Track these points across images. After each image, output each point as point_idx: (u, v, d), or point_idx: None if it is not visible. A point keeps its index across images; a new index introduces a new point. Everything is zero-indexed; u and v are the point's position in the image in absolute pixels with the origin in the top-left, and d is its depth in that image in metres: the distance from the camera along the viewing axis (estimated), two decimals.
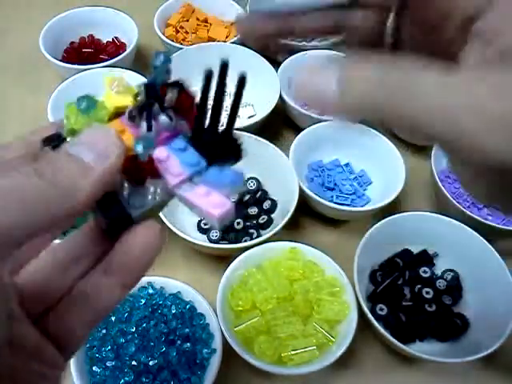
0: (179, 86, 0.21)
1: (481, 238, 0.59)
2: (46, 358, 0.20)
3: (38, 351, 0.20)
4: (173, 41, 0.82)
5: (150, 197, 0.21)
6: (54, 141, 0.21)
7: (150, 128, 0.21)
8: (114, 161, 0.19)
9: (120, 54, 0.78)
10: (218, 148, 0.22)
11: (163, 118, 0.21)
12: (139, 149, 0.20)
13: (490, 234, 0.60)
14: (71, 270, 0.23)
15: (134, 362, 0.50)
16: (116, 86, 0.22)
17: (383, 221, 0.59)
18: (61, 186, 0.18)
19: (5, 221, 0.16)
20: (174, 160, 0.21)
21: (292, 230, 0.65)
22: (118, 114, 0.22)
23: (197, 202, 0.20)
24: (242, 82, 0.20)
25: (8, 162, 0.21)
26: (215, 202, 0.20)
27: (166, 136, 0.21)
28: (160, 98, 0.21)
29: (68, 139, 0.21)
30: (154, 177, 0.21)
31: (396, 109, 0.18)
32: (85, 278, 0.22)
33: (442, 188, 0.63)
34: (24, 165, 0.18)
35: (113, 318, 0.53)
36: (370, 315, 0.52)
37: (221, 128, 0.22)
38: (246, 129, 0.67)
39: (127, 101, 0.22)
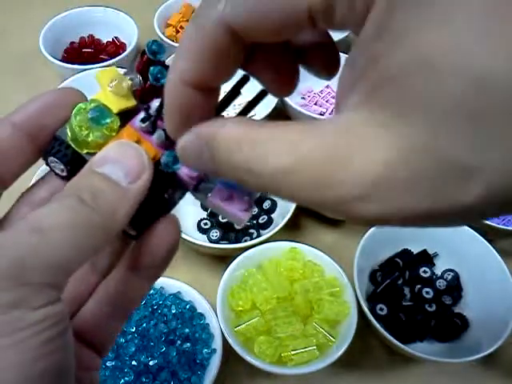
0: None
1: (481, 238, 0.59)
2: (81, 363, 0.20)
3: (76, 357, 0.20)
4: (173, 41, 0.82)
5: (171, 202, 0.21)
6: (60, 152, 0.21)
7: (167, 138, 0.20)
8: (146, 181, 0.19)
9: (120, 53, 0.78)
10: None
11: (160, 132, 0.20)
12: (169, 163, 0.20)
13: (490, 233, 0.60)
14: (97, 266, 0.23)
15: (134, 362, 0.50)
16: (115, 85, 0.21)
17: None
18: (102, 211, 0.18)
19: (61, 257, 0.17)
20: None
21: (292, 230, 0.65)
22: (120, 114, 0.21)
23: (222, 206, 0.21)
24: (261, 95, 0.20)
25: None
26: (240, 206, 0.21)
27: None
28: None
29: (72, 144, 0.21)
30: (173, 185, 0.21)
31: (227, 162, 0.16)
32: (111, 276, 0.23)
33: None
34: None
35: None
36: (369, 315, 0.52)
37: None
38: None
39: (130, 103, 0.21)
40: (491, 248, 0.58)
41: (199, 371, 0.50)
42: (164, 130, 0.20)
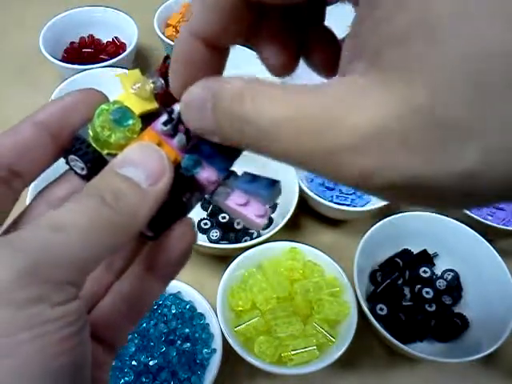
0: None
1: (481, 238, 0.59)
2: (94, 360, 0.20)
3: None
4: (173, 41, 0.82)
5: (188, 206, 0.22)
6: (81, 150, 0.21)
7: (188, 140, 0.21)
8: (166, 184, 0.19)
9: (120, 53, 0.78)
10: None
11: (182, 136, 0.21)
12: (189, 166, 0.20)
13: (490, 233, 0.60)
14: (113, 266, 0.23)
15: (134, 362, 0.50)
16: (138, 88, 0.21)
17: (383, 221, 0.59)
18: (123, 212, 0.18)
19: (82, 255, 0.17)
20: (208, 167, 0.21)
21: (292, 230, 0.65)
22: (141, 117, 0.21)
23: (239, 211, 0.21)
24: None
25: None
26: (256, 211, 0.21)
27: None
28: None
29: (93, 143, 0.21)
30: (191, 189, 0.21)
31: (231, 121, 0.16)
32: (126, 276, 0.23)
33: None
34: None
35: None
36: (370, 315, 0.52)
37: None
38: None
39: (152, 106, 0.21)
40: (491, 248, 0.58)
41: (199, 371, 0.50)
42: (185, 134, 0.21)
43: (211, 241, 0.62)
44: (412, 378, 0.57)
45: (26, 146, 0.21)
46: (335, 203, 0.64)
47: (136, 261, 0.23)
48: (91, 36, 0.85)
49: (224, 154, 0.22)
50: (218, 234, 0.62)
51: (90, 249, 0.17)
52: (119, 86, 0.22)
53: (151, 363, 0.50)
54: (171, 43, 0.80)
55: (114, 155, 0.20)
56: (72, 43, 0.84)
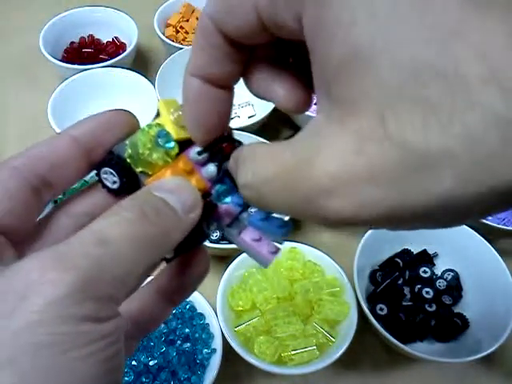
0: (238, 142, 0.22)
1: (481, 237, 0.59)
2: None
3: None
4: (173, 41, 0.82)
5: (206, 232, 0.23)
6: (118, 165, 0.22)
7: (219, 173, 0.22)
8: (197, 216, 0.20)
9: (120, 53, 0.78)
10: None
11: (212, 168, 0.22)
12: (221, 195, 0.22)
13: (490, 233, 0.60)
14: None
15: (134, 362, 0.50)
16: (177, 115, 0.22)
17: None
18: (163, 229, 0.19)
19: (124, 269, 0.17)
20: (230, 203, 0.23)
21: (292, 229, 0.65)
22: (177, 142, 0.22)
23: (252, 246, 0.22)
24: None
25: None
26: (268, 248, 0.22)
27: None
28: (227, 151, 0.21)
29: (128, 160, 0.22)
30: (211, 218, 0.23)
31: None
32: (135, 297, 0.24)
33: None
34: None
35: None
36: (370, 315, 0.52)
37: None
38: (245, 129, 0.67)
39: (187, 134, 0.22)
40: (491, 248, 0.58)
41: (199, 371, 0.50)
42: (217, 165, 0.22)
43: (211, 241, 0.62)
44: (412, 378, 0.57)
45: (61, 158, 0.21)
46: None
47: (146, 284, 0.24)
48: (91, 36, 0.85)
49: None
50: (218, 234, 0.62)
51: (131, 263, 0.17)
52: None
53: (151, 363, 0.50)
54: (171, 43, 0.80)
55: (147, 174, 0.22)
56: (72, 43, 0.84)
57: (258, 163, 0.17)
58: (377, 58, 0.12)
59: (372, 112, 0.12)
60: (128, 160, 0.22)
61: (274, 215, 0.23)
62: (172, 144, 0.21)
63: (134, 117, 0.23)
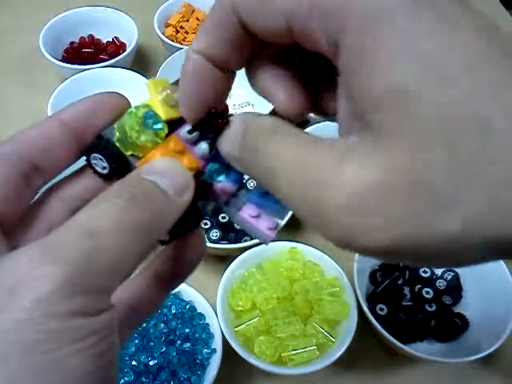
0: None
1: None
2: None
3: None
4: (173, 41, 0.82)
5: (202, 212, 0.22)
6: (107, 150, 0.21)
7: (211, 150, 0.21)
8: (189, 197, 0.20)
9: (120, 54, 0.78)
10: None
11: (204, 146, 0.21)
12: (213, 174, 0.21)
13: None
14: None
15: (134, 362, 0.50)
16: (165, 95, 0.21)
17: None
18: (153, 212, 0.18)
19: (115, 259, 0.17)
20: (225, 178, 0.22)
21: (292, 230, 0.65)
22: (166, 123, 0.22)
23: (251, 222, 0.22)
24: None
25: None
26: (267, 224, 0.22)
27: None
28: (220, 127, 0.21)
29: (118, 144, 0.21)
30: (206, 197, 0.22)
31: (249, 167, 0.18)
32: (130, 282, 0.23)
33: None
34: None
35: None
36: (370, 315, 0.52)
37: None
38: None
39: (177, 113, 0.22)
40: None
41: (199, 371, 0.50)
42: (208, 143, 0.21)
43: (211, 241, 0.62)
44: (412, 378, 0.57)
45: (51, 142, 0.21)
46: None
47: (141, 269, 0.24)
48: (91, 36, 0.85)
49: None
50: (218, 234, 0.62)
51: (123, 253, 0.17)
52: (145, 91, 0.22)
53: (151, 363, 0.50)
54: (171, 43, 0.80)
55: (137, 157, 0.21)
56: (72, 43, 0.84)
57: (279, 142, 0.16)
58: (420, 100, 0.12)
59: (403, 149, 0.13)
60: (117, 144, 0.21)
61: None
62: (160, 125, 0.21)
63: (125, 99, 0.23)
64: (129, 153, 0.21)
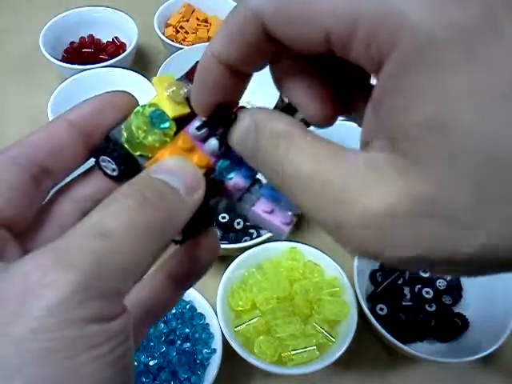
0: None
1: None
2: None
3: None
4: (173, 41, 0.82)
5: (215, 210, 0.22)
6: (115, 151, 0.21)
7: (221, 147, 0.21)
8: (201, 196, 0.20)
9: (120, 54, 0.78)
10: None
11: (214, 142, 0.21)
12: (224, 171, 0.21)
13: None
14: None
15: (134, 362, 0.50)
16: (172, 91, 0.21)
17: None
18: (165, 212, 0.18)
19: (127, 261, 0.16)
20: (236, 174, 0.22)
21: (292, 229, 0.65)
22: (174, 120, 0.21)
23: (266, 218, 0.22)
24: None
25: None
26: (282, 219, 0.22)
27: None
28: (229, 122, 0.20)
29: (126, 145, 0.21)
30: (218, 194, 0.22)
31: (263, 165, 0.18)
32: (145, 282, 0.23)
33: None
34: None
35: None
36: (370, 315, 0.52)
37: None
38: None
39: (185, 110, 0.21)
40: None
41: (199, 371, 0.50)
42: (218, 139, 0.21)
43: None
44: (412, 378, 0.57)
45: (59, 144, 0.21)
46: None
47: (155, 269, 0.23)
48: (91, 36, 0.85)
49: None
50: (218, 234, 0.62)
51: (135, 252, 0.17)
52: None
53: (151, 363, 0.50)
54: (171, 43, 0.80)
55: (146, 157, 0.21)
56: (72, 43, 0.84)
57: (301, 157, 0.16)
58: (461, 132, 0.13)
59: (435, 177, 0.13)
60: (125, 144, 0.21)
61: None
62: (167, 124, 0.20)
63: (133, 97, 0.23)
64: (137, 153, 0.21)
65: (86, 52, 0.83)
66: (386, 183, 0.14)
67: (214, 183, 0.21)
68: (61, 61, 0.78)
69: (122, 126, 0.21)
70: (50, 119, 0.67)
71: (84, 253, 0.15)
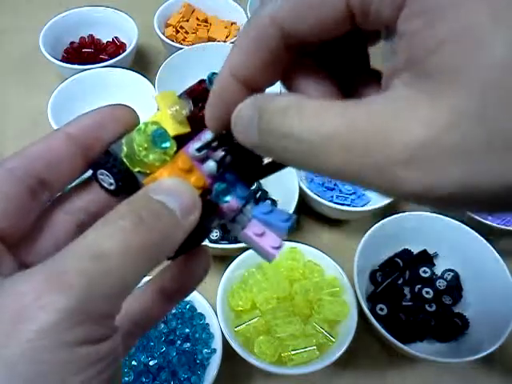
0: None
1: (481, 237, 0.59)
2: None
3: None
4: (173, 41, 0.82)
5: (208, 229, 0.22)
6: (115, 167, 0.21)
7: (219, 169, 0.21)
8: (197, 218, 0.20)
9: (120, 54, 0.78)
10: (255, 173, 0.23)
11: (212, 164, 0.21)
12: (220, 194, 0.21)
13: (489, 233, 0.60)
14: None
15: (134, 362, 0.50)
16: (174, 110, 0.21)
17: (383, 221, 0.59)
18: (160, 233, 0.18)
19: (120, 282, 0.16)
20: (233, 198, 0.22)
21: (292, 230, 0.65)
22: (174, 138, 0.21)
23: (255, 240, 0.22)
24: None
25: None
26: (272, 243, 0.22)
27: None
28: (233, 150, 0.21)
29: (125, 160, 0.21)
30: (212, 214, 0.22)
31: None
32: (135, 295, 0.23)
33: None
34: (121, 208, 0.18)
35: None
36: (370, 315, 0.52)
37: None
38: None
39: (186, 129, 0.22)
40: (491, 248, 0.58)
41: (199, 371, 0.50)
42: (217, 161, 0.21)
43: (211, 241, 0.62)
44: (412, 378, 0.57)
45: (57, 156, 0.21)
46: (335, 203, 0.64)
47: (146, 282, 0.24)
48: (91, 36, 0.85)
49: (244, 181, 0.23)
50: (218, 234, 0.62)
51: (130, 274, 0.17)
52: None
53: (151, 363, 0.50)
54: (171, 43, 0.80)
55: (145, 174, 0.21)
56: (72, 43, 0.84)
57: (312, 115, 0.15)
58: (493, 36, 0.12)
59: (475, 89, 0.12)
60: (125, 160, 0.21)
61: (278, 208, 0.23)
62: (168, 143, 0.21)
63: (134, 112, 0.23)
64: (136, 169, 0.21)
65: (86, 52, 0.83)
66: (421, 111, 0.13)
67: (209, 204, 0.21)
68: (61, 61, 0.78)
69: (123, 141, 0.21)
70: (50, 119, 0.67)
71: (77, 274, 0.16)
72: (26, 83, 0.82)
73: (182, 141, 0.21)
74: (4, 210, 0.19)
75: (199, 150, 0.21)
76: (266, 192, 0.67)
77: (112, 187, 0.21)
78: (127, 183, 0.21)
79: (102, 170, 0.21)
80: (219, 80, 0.19)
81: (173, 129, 0.21)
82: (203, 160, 0.22)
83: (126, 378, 0.49)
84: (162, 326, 0.52)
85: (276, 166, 0.23)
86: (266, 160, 0.23)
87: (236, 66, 0.18)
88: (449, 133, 0.12)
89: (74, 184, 0.23)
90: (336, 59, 0.19)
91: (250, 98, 0.18)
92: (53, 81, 0.79)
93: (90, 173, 0.22)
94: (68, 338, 0.15)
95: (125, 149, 0.21)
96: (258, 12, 0.17)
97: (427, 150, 0.13)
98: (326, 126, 0.14)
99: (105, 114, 0.22)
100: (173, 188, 0.20)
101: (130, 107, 0.23)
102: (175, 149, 0.21)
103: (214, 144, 0.21)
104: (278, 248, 0.22)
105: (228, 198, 0.22)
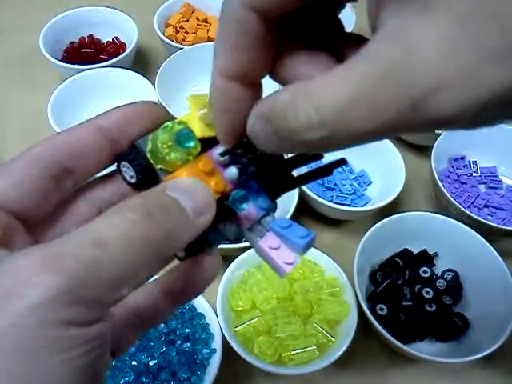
0: None
1: (481, 237, 0.59)
2: None
3: None
4: (173, 41, 0.82)
5: (223, 235, 0.22)
6: (136, 160, 0.21)
7: (240, 176, 0.21)
8: (209, 219, 0.20)
9: (120, 53, 0.78)
10: (281, 185, 0.23)
11: (234, 171, 0.21)
12: (237, 201, 0.21)
13: (489, 234, 0.60)
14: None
15: (134, 362, 0.50)
16: (203, 113, 0.21)
17: (383, 221, 0.59)
18: (166, 230, 0.18)
19: (117, 273, 0.16)
20: (250, 204, 0.22)
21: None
22: (200, 140, 0.22)
23: (269, 253, 0.22)
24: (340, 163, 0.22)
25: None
26: (286, 258, 0.21)
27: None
28: (258, 159, 0.21)
29: (149, 156, 0.21)
30: (229, 220, 0.22)
31: None
32: (142, 292, 0.23)
33: (442, 188, 0.63)
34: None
35: None
36: (369, 315, 0.52)
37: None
38: None
39: (213, 132, 0.22)
40: (491, 248, 0.58)
41: (199, 371, 0.50)
42: (239, 168, 0.21)
43: None
44: (412, 378, 0.57)
45: (86, 147, 0.21)
46: (335, 203, 0.64)
47: (153, 281, 0.24)
48: (91, 36, 0.85)
49: (269, 192, 0.23)
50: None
51: (127, 265, 0.17)
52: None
53: (151, 363, 0.50)
54: (171, 43, 0.80)
55: (166, 171, 0.21)
56: (72, 43, 0.84)
57: (321, 94, 0.15)
58: None
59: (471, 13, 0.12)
60: (148, 155, 0.21)
61: (297, 224, 0.22)
62: (192, 144, 0.21)
63: (164, 109, 0.23)
64: (159, 166, 0.21)
65: (86, 52, 0.83)
66: (423, 29, 0.12)
67: (226, 209, 0.21)
68: (61, 61, 0.78)
69: (149, 137, 0.21)
70: (50, 119, 0.67)
71: (75, 259, 0.16)
72: (26, 83, 0.82)
73: (208, 144, 0.21)
74: (27, 191, 0.20)
75: (222, 154, 0.21)
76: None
77: (133, 180, 0.22)
78: (147, 178, 0.21)
79: (125, 163, 0.22)
80: (213, 88, 0.19)
81: (199, 131, 0.21)
82: (226, 165, 0.22)
83: (126, 378, 0.49)
84: (162, 325, 0.52)
85: (304, 178, 0.23)
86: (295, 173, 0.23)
87: (226, 66, 0.18)
88: (465, 43, 0.12)
89: (100, 175, 0.23)
90: (314, 31, 0.19)
91: (255, 109, 0.18)
92: (53, 81, 0.79)
93: (115, 166, 0.23)
94: (56, 317, 0.15)
95: (150, 144, 0.21)
96: (225, 6, 0.17)
97: (453, 67, 0.12)
98: (343, 92, 0.14)
99: (135, 109, 0.22)
100: (188, 187, 0.20)
101: (160, 105, 0.23)
102: (199, 150, 0.21)
103: (239, 151, 0.21)
104: (291, 264, 0.21)
105: (244, 206, 0.22)
